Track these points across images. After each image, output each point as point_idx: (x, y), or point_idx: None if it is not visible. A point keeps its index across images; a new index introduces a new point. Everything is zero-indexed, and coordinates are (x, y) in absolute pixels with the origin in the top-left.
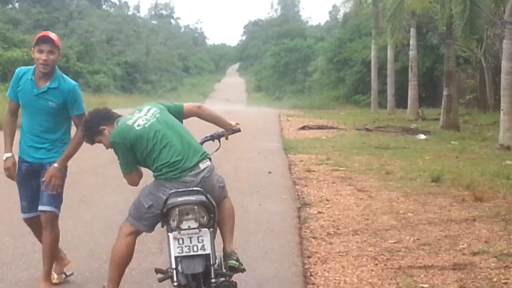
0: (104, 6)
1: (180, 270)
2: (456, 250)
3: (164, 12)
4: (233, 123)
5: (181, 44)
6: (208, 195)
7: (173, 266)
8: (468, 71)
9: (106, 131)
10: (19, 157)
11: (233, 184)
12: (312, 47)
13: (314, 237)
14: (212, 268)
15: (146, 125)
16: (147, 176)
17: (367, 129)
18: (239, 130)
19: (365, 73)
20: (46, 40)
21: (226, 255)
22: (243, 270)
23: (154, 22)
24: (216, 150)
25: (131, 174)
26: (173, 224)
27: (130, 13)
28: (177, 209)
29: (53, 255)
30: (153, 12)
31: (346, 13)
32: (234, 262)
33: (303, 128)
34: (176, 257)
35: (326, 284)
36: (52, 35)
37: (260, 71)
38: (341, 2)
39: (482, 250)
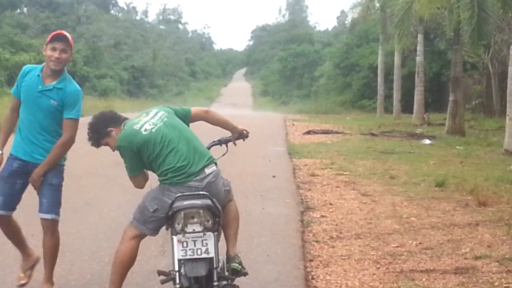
0: (112, 11)
1: (183, 273)
2: (459, 254)
3: (172, 17)
4: (239, 127)
5: (189, 49)
6: (214, 199)
7: (176, 268)
8: (474, 77)
9: (113, 132)
10: (12, 155)
11: (237, 188)
12: (320, 52)
13: (316, 241)
14: (215, 271)
15: (153, 130)
16: (153, 179)
17: (373, 134)
18: (247, 136)
19: (371, 79)
20: (61, 38)
21: (229, 258)
22: (245, 274)
23: (162, 27)
24: (223, 155)
25: (137, 178)
26: (178, 227)
27: (138, 18)
28: (182, 212)
29: (55, 259)
30: (161, 17)
31: (354, 18)
32: (236, 265)
33: (308, 132)
34: (179, 260)
35: None
36: (67, 34)
37: (267, 76)
38: (349, 7)
39: (485, 254)
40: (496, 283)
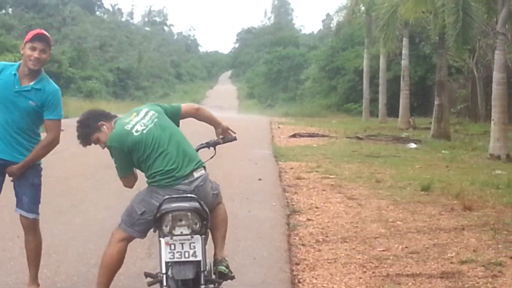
0: (97, 13)
1: (170, 275)
2: (444, 259)
3: (157, 19)
4: (223, 123)
5: (174, 51)
6: (202, 202)
7: (163, 271)
8: (460, 81)
9: (105, 127)
10: None
11: (223, 190)
12: (305, 55)
13: (303, 244)
14: (202, 274)
15: (144, 131)
16: (140, 181)
17: (358, 138)
18: (235, 139)
19: (357, 82)
20: (42, 38)
21: (217, 261)
22: (232, 278)
23: (147, 28)
24: (211, 158)
25: (127, 178)
26: (166, 229)
27: (123, 19)
28: (170, 214)
29: (39, 259)
30: (146, 19)
31: (339, 22)
32: (224, 268)
33: (294, 135)
34: (167, 262)
35: None
36: (47, 34)
37: (252, 78)
38: (335, 11)
39: (470, 259)
40: None
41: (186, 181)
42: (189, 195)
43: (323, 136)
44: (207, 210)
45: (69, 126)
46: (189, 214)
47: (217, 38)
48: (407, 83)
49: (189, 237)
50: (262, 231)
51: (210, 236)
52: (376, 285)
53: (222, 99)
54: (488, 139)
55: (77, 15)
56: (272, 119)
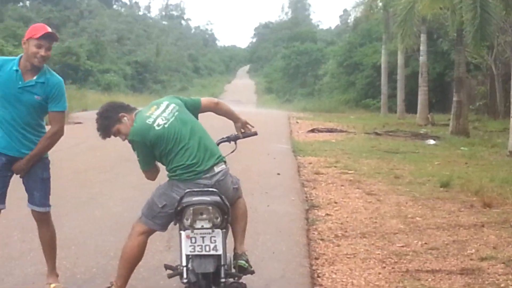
0: (114, 6)
1: (191, 268)
2: (464, 255)
3: (174, 13)
4: (242, 118)
5: (192, 45)
6: (223, 196)
7: (184, 263)
8: (478, 78)
9: (125, 118)
10: None
11: (242, 185)
12: (323, 50)
13: (322, 239)
14: (222, 268)
15: (166, 125)
16: (161, 175)
17: (377, 133)
18: (255, 134)
19: (375, 78)
20: (51, 37)
21: (237, 256)
22: (252, 272)
23: (164, 22)
24: (232, 152)
25: (150, 171)
26: (187, 222)
27: (140, 13)
28: (191, 208)
29: (55, 250)
30: (163, 13)
31: (357, 17)
32: (243, 262)
33: (312, 130)
34: (187, 255)
35: (333, 286)
36: (55, 32)
37: (270, 73)
38: (352, 6)
39: (490, 256)
40: (502, 285)
41: (207, 175)
42: (210, 189)
43: (341, 131)
44: (228, 205)
45: (87, 119)
46: (210, 208)
47: (235, 33)
48: (425, 79)
49: (210, 231)
50: (281, 226)
51: (230, 230)
52: (395, 280)
53: (240, 93)
54: (507, 136)
55: (95, 8)
56: (290, 114)
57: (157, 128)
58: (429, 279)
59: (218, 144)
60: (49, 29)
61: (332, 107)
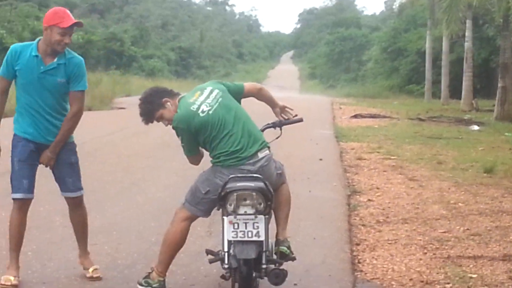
0: None
1: (232, 254)
2: (507, 241)
3: None
4: (280, 103)
5: (236, 31)
6: (267, 182)
7: (226, 249)
8: None
9: (169, 103)
10: (21, 137)
11: (284, 171)
12: (367, 36)
13: (363, 225)
14: (264, 254)
15: (210, 112)
16: (204, 161)
17: (420, 119)
18: (301, 120)
19: (419, 64)
20: (79, 26)
21: (279, 242)
22: (293, 259)
23: (209, 8)
24: (277, 138)
25: (194, 157)
26: (230, 208)
27: None
28: (235, 193)
29: (87, 232)
30: None
31: (402, 3)
32: (285, 249)
33: (355, 116)
34: (229, 241)
35: (374, 272)
36: (81, 21)
37: (314, 59)
38: None
39: None
40: None
41: (251, 161)
42: (254, 175)
43: (384, 117)
44: (272, 191)
45: (131, 105)
46: (254, 194)
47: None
48: (470, 65)
49: (253, 216)
50: (322, 211)
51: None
52: (437, 266)
53: (284, 79)
54: None
55: None
56: (333, 100)
57: (201, 115)
58: (471, 265)
59: (263, 130)
60: (79, 21)
61: (376, 92)
